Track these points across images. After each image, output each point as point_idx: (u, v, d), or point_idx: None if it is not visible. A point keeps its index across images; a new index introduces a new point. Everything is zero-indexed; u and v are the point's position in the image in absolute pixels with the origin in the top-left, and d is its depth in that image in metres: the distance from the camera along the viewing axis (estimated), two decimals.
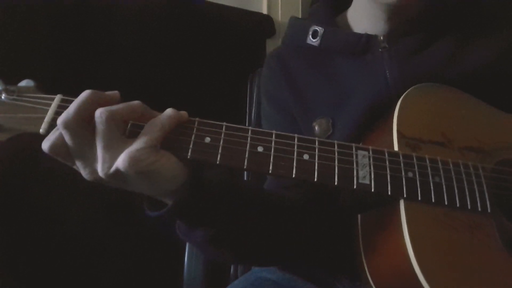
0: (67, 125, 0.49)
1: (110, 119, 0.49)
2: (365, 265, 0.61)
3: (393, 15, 0.75)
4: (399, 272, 0.56)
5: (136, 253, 1.28)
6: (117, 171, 0.49)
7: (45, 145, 0.50)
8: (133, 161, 0.49)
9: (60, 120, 0.49)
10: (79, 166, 0.51)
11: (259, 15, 1.63)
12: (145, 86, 1.30)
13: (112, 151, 0.49)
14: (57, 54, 1.18)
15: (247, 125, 1.15)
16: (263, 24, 1.60)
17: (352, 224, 0.65)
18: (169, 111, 0.53)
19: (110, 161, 0.49)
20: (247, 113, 1.20)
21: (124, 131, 0.51)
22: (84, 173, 0.52)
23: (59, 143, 0.50)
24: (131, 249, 1.26)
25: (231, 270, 1.06)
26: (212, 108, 1.39)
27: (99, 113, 0.49)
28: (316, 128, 0.77)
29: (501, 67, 0.72)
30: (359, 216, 0.64)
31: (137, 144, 0.50)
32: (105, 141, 0.49)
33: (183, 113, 0.54)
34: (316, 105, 0.78)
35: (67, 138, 0.50)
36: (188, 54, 1.42)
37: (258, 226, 0.65)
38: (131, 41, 1.30)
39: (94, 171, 0.51)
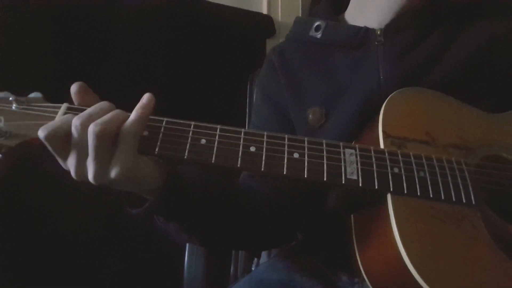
0: (48, 139, 0.51)
1: (101, 134, 0.51)
2: (359, 262, 0.63)
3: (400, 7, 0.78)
4: (391, 265, 0.57)
5: (136, 253, 1.29)
6: (110, 180, 0.53)
7: (42, 133, 0.51)
8: (126, 171, 0.53)
9: (41, 133, 0.51)
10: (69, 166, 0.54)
11: (259, 15, 1.64)
12: (145, 86, 1.27)
13: (104, 162, 0.52)
14: (57, 54, 1.20)
15: (246, 125, 1.17)
16: (263, 24, 1.61)
17: (346, 224, 0.67)
18: (134, 113, 0.54)
19: (102, 171, 0.53)
20: (247, 113, 1.21)
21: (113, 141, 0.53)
22: (74, 174, 0.54)
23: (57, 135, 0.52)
24: (131, 249, 1.27)
25: (231, 270, 1.07)
26: (212, 108, 1.42)
27: (92, 130, 0.51)
28: (310, 116, 0.80)
29: (486, 63, 0.75)
30: (352, 216, 0.67)
31: (124, 154, 0.53)
32: (96, 155, 0.52)
33: (147, 102, 0.55)
34: (311, 96, 0.82)
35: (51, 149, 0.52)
36: (188, 54, 1.43)
37: (226, 218, 0.70)
38: (131, 41, 1.31)
39: (84, 174, 0.54)
